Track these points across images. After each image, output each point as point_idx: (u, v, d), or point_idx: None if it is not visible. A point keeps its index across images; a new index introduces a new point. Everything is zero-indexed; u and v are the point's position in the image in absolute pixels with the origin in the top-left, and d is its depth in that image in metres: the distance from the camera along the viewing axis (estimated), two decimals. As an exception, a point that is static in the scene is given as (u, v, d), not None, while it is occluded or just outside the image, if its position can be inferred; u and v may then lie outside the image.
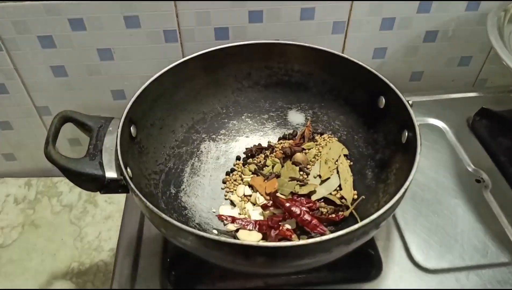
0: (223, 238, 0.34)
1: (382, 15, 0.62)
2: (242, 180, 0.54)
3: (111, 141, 0.43)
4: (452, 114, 0.65)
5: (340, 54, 0.52)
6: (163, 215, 0.36)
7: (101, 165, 0.42)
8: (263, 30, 0.62)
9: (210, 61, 0.54)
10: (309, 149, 0.55)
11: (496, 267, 0.48)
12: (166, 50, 0.63)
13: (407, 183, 0.38)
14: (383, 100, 0.50)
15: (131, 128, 0.46)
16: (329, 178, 0.51)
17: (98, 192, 0.43)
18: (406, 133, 0.46)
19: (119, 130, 0.42)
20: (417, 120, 0.44)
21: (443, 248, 0.49)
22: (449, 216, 0.52)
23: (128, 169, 0.42)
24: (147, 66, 0.65)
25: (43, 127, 0.72)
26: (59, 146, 0.76)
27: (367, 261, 0.48)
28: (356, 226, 0.34)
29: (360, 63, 0.50)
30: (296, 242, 0.33)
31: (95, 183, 0.42)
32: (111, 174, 0.41)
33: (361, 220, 0.45)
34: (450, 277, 0.47)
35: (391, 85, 0.47)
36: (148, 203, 0.37)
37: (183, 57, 0.52)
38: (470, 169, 0.58)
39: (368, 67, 0.50)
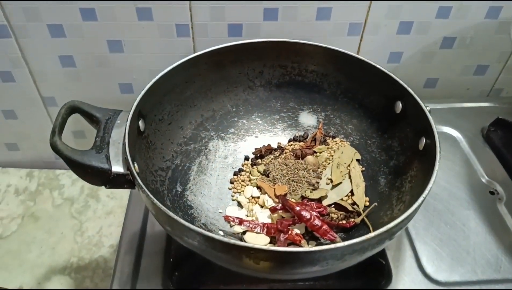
0: (232, 241, 0.33)
1: (399, 18, 0.61)
2: (250, 181, 0.52)
3: (118, 134, 0.42)
4: (466, 123, 0.64)
5: (358, 56, 0.50)
6: (171, 214, 0.35)
7: (107, 158, 0.40)
8: (277, 28, 0.61)
9: (222, 58, 0.52)
10: (320, 153, 0.54)
11: (509, 283, 0.46)
12: (177, 44, 0.62)
13: (426, 191, 0.37)
14: (399, 105, 0.49)
15: (140, 122, 0.45)
16: (340, 183, 0.49)
17: (101, 186, 0.41)
18: (424, 140, 0.44)
19: (128, 123, 0.41)
20: (433, 128, 0.43)
21: (455, 260, 0.48)
22: (462, 228, 0.51)
23: (135, 164, 0.41)
24: (157, 60, 0.64)
25: (48, 118, 0.71)
26: (63, 138, 0.76)
27: (377, 270, 0.47)
28: (372, 234, 0.33)
29: (378, 66, 0.49)
30: (309, 248, 0.32)
31: (101, 177, 0.40)
32: (117, 168, 0.40)
33: (373, 228, 0.44)
34: (461, 291, 0.46)
35: (410, 90, 0.46)
36: (155, 200, 0.36)
37: (194, 53, 0.50)
38: (484, 181, 0.56)
39: (386, 71, 0.48)
